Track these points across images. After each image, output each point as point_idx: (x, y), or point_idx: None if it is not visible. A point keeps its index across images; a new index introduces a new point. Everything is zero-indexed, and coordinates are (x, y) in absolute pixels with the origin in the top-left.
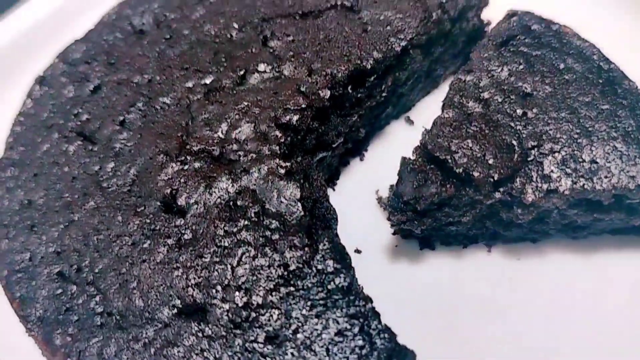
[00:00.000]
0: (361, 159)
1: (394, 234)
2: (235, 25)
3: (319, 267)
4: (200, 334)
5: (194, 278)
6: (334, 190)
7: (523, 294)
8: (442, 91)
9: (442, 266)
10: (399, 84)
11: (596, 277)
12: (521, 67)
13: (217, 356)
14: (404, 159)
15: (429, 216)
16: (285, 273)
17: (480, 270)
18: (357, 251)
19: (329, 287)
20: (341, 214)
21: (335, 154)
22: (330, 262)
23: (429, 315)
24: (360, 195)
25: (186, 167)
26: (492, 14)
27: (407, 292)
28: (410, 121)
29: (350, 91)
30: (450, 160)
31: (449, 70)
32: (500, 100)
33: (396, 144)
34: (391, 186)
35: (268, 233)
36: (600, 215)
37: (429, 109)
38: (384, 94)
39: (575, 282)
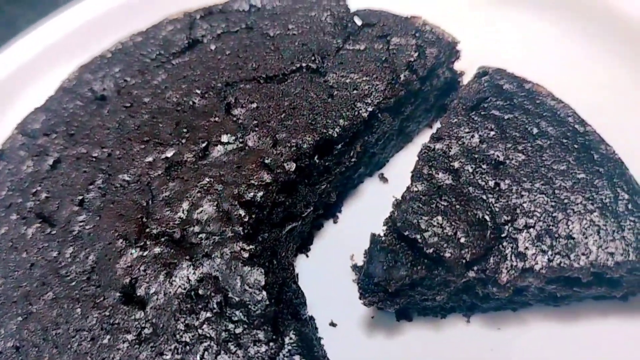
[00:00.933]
0: (335, 222)
1: None
2: (198, 91)
3: None
4: None
5: None
6: (307, 256)
7: None
8: (416, 145)
9: (420, 338)
10: (369, 145)
11: (580, 344)
12: (492, 133)
13: None
14: (373, 235)
15: (402, 295)
16: None
17: (460, 341)
18: (332, 324)
19: None
20: (315, 282)
21: (306, 222)
22: (296, 358)
23: None
24: (335, 261)
25: (146, 252)
26: (466, 65)
27: None
28: (384, 179)
29: (317, 160)
30: (420, 240)
31: (422, 124)
32: (471, 170)
33: (370, 203)
34: (365, 251)
35: (231, 326)
36: (579, 289)
37: (403, 164)
38: (353, 159)
39: (559, 351)
